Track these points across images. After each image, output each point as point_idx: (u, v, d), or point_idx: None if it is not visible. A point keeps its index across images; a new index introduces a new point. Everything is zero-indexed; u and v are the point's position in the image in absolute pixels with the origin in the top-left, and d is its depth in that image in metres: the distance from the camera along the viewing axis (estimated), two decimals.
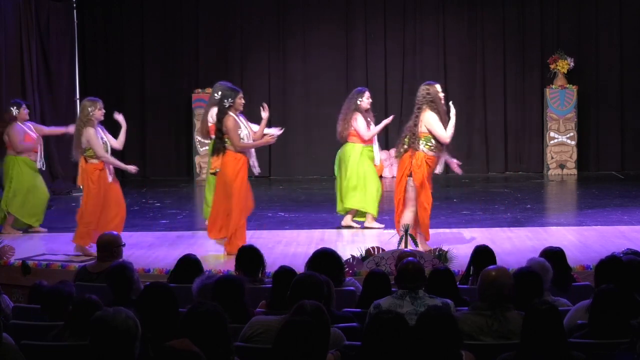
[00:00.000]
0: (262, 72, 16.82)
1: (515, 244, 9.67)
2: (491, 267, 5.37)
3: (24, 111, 11.09)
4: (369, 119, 10.89)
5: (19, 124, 11.01)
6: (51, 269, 8.82)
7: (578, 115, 16.41)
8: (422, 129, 9.22)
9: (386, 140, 16.80)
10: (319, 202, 13.17)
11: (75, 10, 16.12)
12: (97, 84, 16.62)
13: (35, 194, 11.11)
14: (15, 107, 11.10)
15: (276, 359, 4.12)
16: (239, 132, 9.40)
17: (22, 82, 13.61)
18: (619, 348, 4.45)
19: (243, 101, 9.55)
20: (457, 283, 6.50)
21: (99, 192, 9.55)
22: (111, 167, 9.67)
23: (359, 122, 10.82)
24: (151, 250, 9.70)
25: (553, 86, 16.30)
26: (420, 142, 9.24)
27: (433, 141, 9.24)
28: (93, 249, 9.42)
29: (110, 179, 9.63)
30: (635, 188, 14.28)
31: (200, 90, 16.42)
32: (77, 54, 15.99)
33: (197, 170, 16.34)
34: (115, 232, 7.68)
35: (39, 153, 11.10)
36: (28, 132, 11.04)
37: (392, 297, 5.54)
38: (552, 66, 16.40)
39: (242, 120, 9.50)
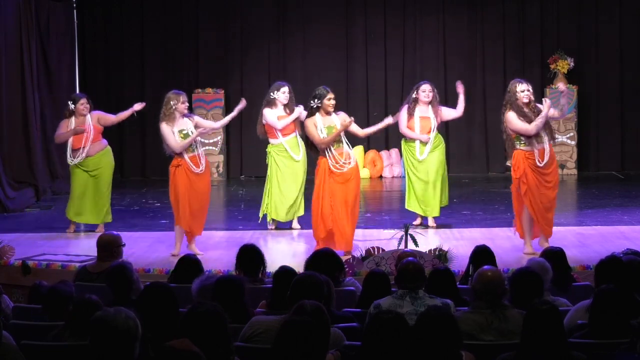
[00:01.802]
0: (262, 71, 16.80)
1: (515, 244, 9.65)
2: (486, 267, 5.39)
3: (80, 106, 10.75)
4: (413, 113, 10.77)
5: (68, 120, 10.76)
6: (51, 269, 8.81)
7: (578, 115, 16.41)
8: (509, 130, 9.26)
9: (385, 140, 16.81)
10: None
11: (75, 10, 16.11)
12: (97, 84, 16.62)
13: (84, 191, 10.84)
14: (71, 102, 10.84)
15: (276, 359, 4.12)
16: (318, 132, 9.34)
17: (22, 82, 13.59)
18: (619, 348, 4.45)
19: (332, 102, 9.37)
20: (457, 283, 6.51)
21: (175, 189, 9.46)
22: (203, 159, 9.53)
23: (401, 116, 10.85)
24: (151, 250, 9.69)
25: (553, 86, 16.30)
26: (515, 142, 9.26)
27: (522, 137, 9.22)
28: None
29: (197, 169, 9.48)
30: (635, 188, 14.27)
31: (200, 90, 16.42)
32: (77, 54, 15.97)
33: None
34: (115, 232, 7.63)
35: (69, 147, 10.75)
36: (66, 126, 10.79)
37: (392, 297, 5.54)
38: (552, 66, 16.39)
39: (331, 119, 9.35)
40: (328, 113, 9.39)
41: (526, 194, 9.26)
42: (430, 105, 10.86)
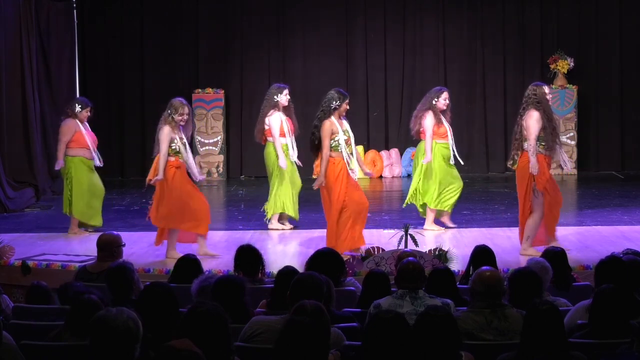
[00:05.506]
0: (262, 71, 16.81)
1: (515, 244, 9.65)
2: (484, 267, 5.39)
3: (85, 113, 10.78)
4: (441, 118, 10.74)
5: (75, 120, 10.75)
6: (51, 269, 8.81)
7: (578, 115, 16.41)
8: (524, 129, 9.18)
9: (385, 140, 16.81)
10: (318, 202, 13.08)
11: (75, 10, 16.11)
12: (97, 84, 16.62)
13: (95, 192, 10.89)
14: (79, 106, 10.83)
15: (278, 359, 4.12)
16: (336, 137, 9.32)
17: (22, 82, 13.59)
18: (619, 348, 4.46)
19: (347, 107, 9.39)
20: (457, 283, 6.51)
21: (172, 189, 9.41)
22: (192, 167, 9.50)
23: (427, 120, 10.75)
24: (151, 250, 9.68)
25: (553, 86, 16.28)
26: (524, 142, 9.18)
27: (544, 141, 9.15)
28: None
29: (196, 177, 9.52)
30: (635, 188, 14.27)
31: (200, 90, 16.42)
32: (77, 54, 15.97)
33: None
34: (115, 232, 7.62)
35: (91, 149, 10.78)
36: (80, 129, 10.76)
37: (392, 297, 5.54)
38: (552, 66, 16.40)
39: (344, 124, 9.38)
40: (343, 116, 9.39)
41: (546, 197, 9.21)
42: (446, 111, 10.84)
